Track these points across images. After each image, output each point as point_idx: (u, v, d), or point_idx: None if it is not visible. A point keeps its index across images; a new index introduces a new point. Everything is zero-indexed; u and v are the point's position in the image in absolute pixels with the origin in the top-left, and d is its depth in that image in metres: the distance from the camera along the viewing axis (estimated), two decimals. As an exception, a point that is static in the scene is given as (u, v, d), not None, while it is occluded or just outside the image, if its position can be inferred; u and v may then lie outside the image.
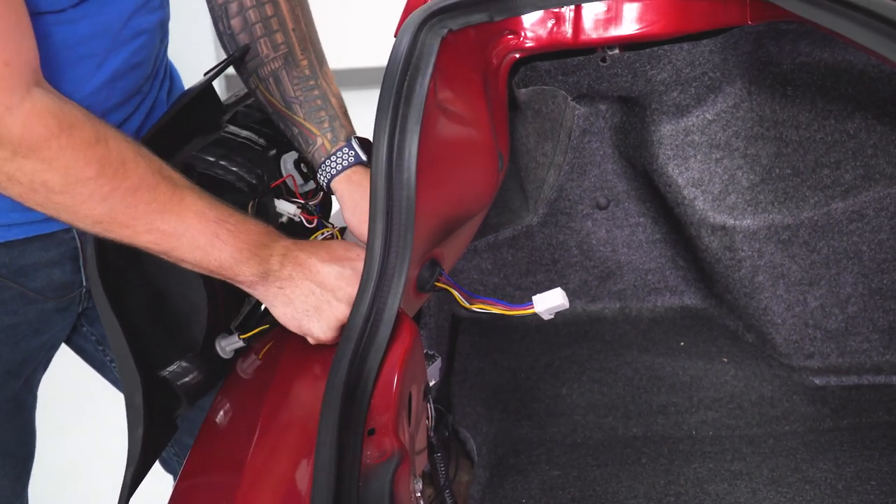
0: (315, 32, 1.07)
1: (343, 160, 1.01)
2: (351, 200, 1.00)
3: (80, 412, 2.27)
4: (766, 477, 1.22)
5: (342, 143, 1.01)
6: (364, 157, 1.01)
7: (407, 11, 1.29)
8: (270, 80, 1.04)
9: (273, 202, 1.01)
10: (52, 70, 0.85)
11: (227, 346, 0.96)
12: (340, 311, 0.87)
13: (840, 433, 1.31)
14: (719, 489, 1.21)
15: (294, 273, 0.87)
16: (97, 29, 0.89)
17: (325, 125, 1.02)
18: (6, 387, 1.08)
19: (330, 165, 1.01)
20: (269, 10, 1.03)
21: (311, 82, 1.04)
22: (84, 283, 1.06)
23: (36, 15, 0.81)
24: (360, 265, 0.85)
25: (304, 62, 1.05)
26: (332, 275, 0.88)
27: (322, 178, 1.02)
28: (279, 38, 1.04)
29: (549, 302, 0.92)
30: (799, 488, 1.20)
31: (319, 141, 1.02)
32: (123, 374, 0.88)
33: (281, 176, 1.05)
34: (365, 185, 0.98)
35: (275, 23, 1.03)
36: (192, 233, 0.81)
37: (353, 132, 1.04)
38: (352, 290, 0.85)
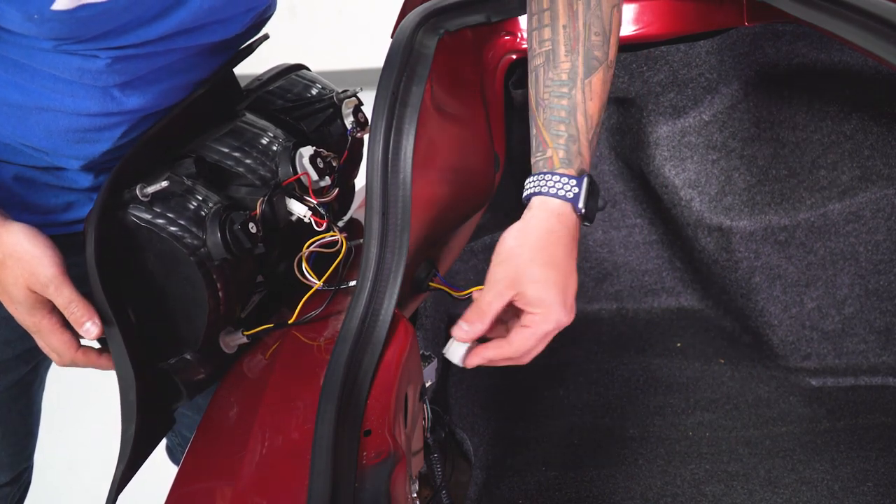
0: (600, 31, 0.93)
1: (560, 188, 0.88)
2: (513, 240, 0.87)
3: (80, 412, 2.27)
4: (762, 478, 1.22)
5: (573, 172, 0.89)
6: (581, 207, 0.87)
7: (404, 12, 1.29)
8: (533, 76, 0.96)
9: (284, 199, 0.97)
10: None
11: (231, 341, 0.95)
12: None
13: (837, 434, 1.31)
14: (716, 490, 1.20)
15: None
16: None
17: (562, 141, 0.91)
18: (15, 371, 1.11)
19: (544, 183, 0.89)
20: (545, 2, 0.95)
21: (564, 89, 0.92)
22: None
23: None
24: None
25: (566, 65, 0.92)
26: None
27: (527, 189, 0.91)
28: (546, 33, 0.94)
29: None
30: (795, 489, 1.20)
31: (550, 153, 0.91)
32: (118, 369, 0.88)
33: (297, 170, 0.98)
34: (551, 237, 0.87)
35: (547, 16, 0.94)
36: None
37: (588, 168, 0.91)
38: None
